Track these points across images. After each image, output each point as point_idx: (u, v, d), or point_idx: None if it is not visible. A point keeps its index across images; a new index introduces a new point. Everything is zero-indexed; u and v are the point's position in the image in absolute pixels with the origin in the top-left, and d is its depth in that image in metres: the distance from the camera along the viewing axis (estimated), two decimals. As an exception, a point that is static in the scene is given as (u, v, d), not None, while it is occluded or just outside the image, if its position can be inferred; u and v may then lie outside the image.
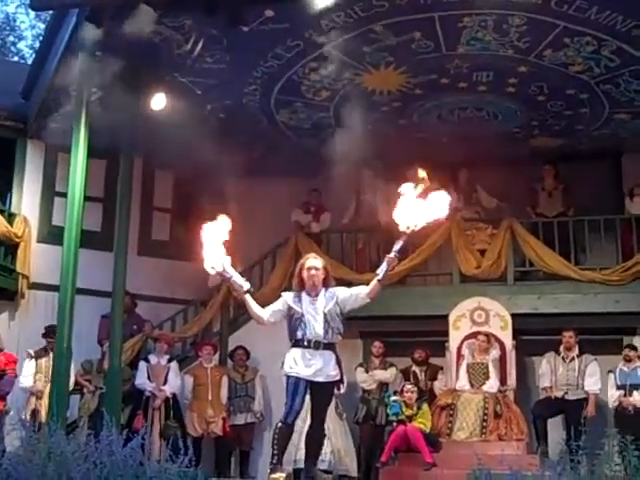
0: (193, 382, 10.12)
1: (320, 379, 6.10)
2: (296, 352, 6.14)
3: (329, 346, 6.16)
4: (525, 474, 4.32)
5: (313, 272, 6.24)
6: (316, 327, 6.12)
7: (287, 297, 6.30)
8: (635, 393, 9.08)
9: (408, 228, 5.96)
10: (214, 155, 8.77)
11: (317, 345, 6.10)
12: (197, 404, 9.99)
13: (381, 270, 6.07)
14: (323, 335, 6.11)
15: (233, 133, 10.21)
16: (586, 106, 9.96)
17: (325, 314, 6.14)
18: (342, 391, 9.74)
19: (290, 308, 6.20)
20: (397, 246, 6.04)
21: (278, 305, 6.30)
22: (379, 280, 6.10)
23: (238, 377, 10.36)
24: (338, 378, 6.25)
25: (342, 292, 6.27)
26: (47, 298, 10.00)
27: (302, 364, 6.08)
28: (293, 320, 6.18)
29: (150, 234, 11.97)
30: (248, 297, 6.15)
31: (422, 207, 5.97)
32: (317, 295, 6.23)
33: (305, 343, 6.11)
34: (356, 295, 6.23)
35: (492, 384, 9.32)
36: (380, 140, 10.72)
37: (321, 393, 6.18)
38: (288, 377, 6.17)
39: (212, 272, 6.18)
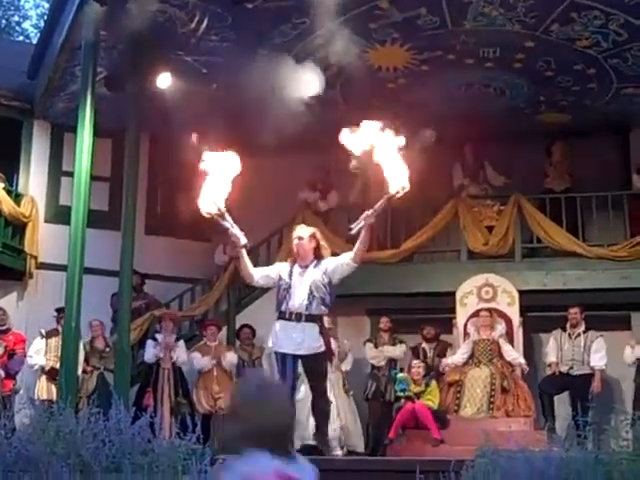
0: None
1: (303, 352, 6.04)
2: (279, 325, 6.10)
3: (312, 318, 6.07)
4: (532, 450, 4.33)
5: (296, 242, 6.22)
6: (298, 298, 6.06)
7: (281, 267, 6.28)
8: None
9: (398, 192, 5.77)
10: (220, 132, 8.75)
11: (299, 317, 6.04)
12: (203, 381, 10.00)
13: (354, 226, 5.96)
14: (305, 307, 6.04)
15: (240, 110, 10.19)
16: (594, 81, 9.91)
17: (310, 285, 6.07)
18: (348, 368, 9.83)
19: (280, 278, 6.17)
20: (378, 206, 5.88)
21: (270, 271, 6.27)
22: (357, 242, 5.98)
23: (245, 355, 10.37)
24: (323, 349, 6.14)
25: (331, 262, 6.19)
26: (55, 278, 10.03)
27: (285, 338, 6.05)
28: (281, 291, 6.13)
29: (157, 213, 11.98)
30: (243, 252, 6.06)
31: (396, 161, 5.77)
32: (307, 266, 6.17)
33: (287, 315, 6.07)
34: (342, 263, 6.14)
35: (516, 355, 9.33)
36: (387, 117, 10.67)
37: (311, 365, 6.15)
38: (275, 353, 6.16)
39: (206, 214, 5.89)
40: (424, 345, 10.06)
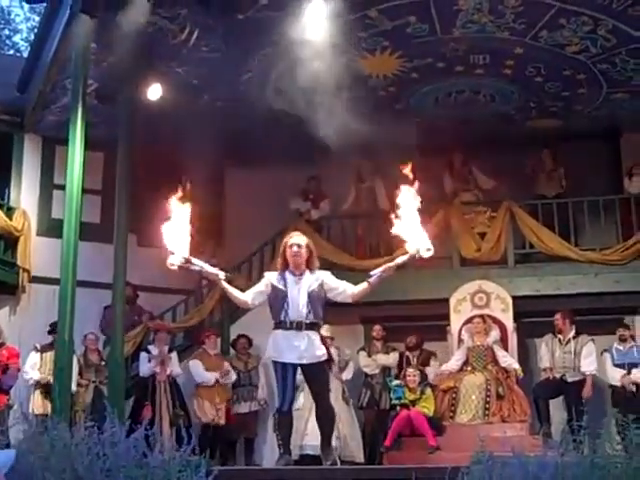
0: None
1: (306, 361, 5.94)
2: (279, 335, 5.97)
3: (312, 326, 5.98)
4: (528, 455, 4.32)
5: (295, 249, 6.03)
6: (299, 307, 5.94)
7: (270, 277, 6.11)
8: (634, 371, 9.11)
9: (418, 252, 5.75)
10: (210, 144, 8.78)
11: (300, 326, 5.92)
12: (205, 391, 9.99)
13: (374, 274, 5.88)
14: (306, 315, 5.94)
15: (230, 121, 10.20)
16: (583, 86, 9.95)
17: (309, 294, 5.97)
18: (349, 377, 9.83)
19: (274, 288, 6.02)
20: (400, 260, 5.85)
21: (261, 286, 6.10)
22: (369, 283, 5.92)
23: (241, 365, 10.36)
24: (326, 357, 6.05)
25: (329, 278, 6.10)
26: (48, 291, 9.96)
27: (286, 348, 5.93)
28: (278, 300, 5.98)
29: (149, 224, 11.94)
30: (226, 284, 5.92)
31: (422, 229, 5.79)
32: (302, 275, 6.04)
33: (288, 325, 5.94)
34: (343, 291, 6.05)
35: (511, 361, 9.36)
36: (377, 125, 10.72)
37: (313, 374, 6.03)
38: (275, 363, 6.03)
39: (174, 268, 5.84)
40: (407, 353, 10.07)
